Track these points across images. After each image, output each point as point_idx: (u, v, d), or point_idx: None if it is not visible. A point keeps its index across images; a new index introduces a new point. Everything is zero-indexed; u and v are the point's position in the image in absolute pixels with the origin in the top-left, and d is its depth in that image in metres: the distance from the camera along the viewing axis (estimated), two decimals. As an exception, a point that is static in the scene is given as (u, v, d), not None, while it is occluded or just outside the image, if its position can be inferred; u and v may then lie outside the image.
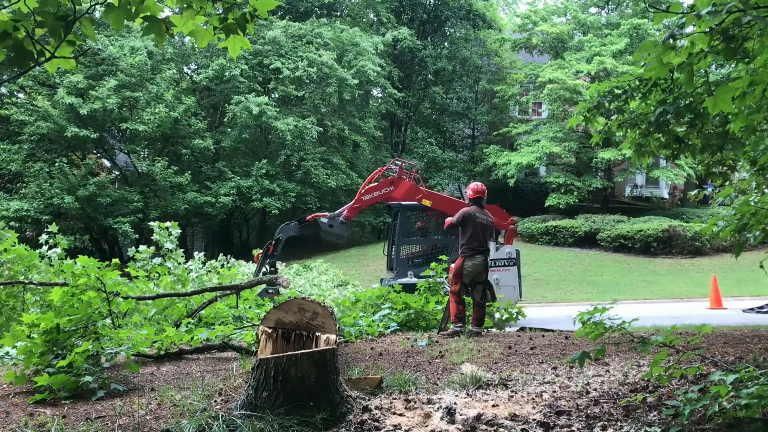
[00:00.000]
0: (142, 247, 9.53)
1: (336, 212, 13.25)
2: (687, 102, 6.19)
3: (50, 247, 8.91)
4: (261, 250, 12.94)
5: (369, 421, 3.73)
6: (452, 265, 7.95)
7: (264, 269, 12.28)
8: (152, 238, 10.28)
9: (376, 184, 13.29)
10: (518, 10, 39.62)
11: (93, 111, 23.54)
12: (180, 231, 10.55)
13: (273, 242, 12.95)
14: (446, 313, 7.88)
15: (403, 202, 13.22)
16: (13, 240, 7.98)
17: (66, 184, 23.41)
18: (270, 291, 10.84)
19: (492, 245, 12.59)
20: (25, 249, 7.97)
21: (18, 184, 24.07)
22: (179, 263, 9.63)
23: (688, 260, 23.45)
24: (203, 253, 12.17)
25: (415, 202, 13.02)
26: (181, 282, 9.24)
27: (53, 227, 9.10)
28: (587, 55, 28.94)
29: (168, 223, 10.37)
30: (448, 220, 8.12)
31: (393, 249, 13.08)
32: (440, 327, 7.81)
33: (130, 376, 5.23)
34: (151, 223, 10.59)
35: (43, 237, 9.14)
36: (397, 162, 13.84)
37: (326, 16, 33.85)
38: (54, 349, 4.85)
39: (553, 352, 6.08)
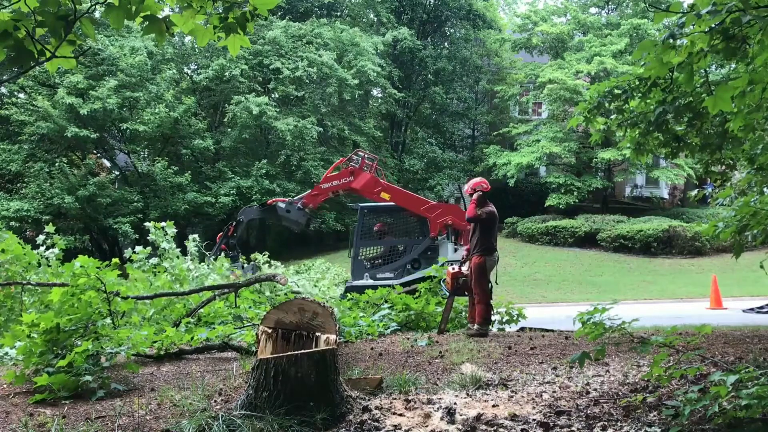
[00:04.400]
0: (138, 248, 9.55)
1: (295, 198, 13.31)
2: (687, 101, 6.19)
3: (48, 248, 8.90)
4: (222, 233, 13.18)
5: (369, 421, 3.73)
6: (450, 269, 7.87)
7: (218, 251, 12.46)
8: (148, 238, 10.30)
9: (337, 173, 13.25)
10: (518, 10, 39.62)
11: (93, 111, 23.54)
12: (176, 230, 10.59)
13: (234, 223, 13.10)
14: (446, 314, 7.86)
15: (362, 204, 13.24)
16: (11, 240, 7.96)
17: (66, 184, 23.41)
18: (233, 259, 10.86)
19: (450, 246, 12.50)
20: (21, 248, 7.93)
21: (18, 184, 24.07)
22: (177, 257, 9.66)
23: (688, 260, 23.44)
24: (196, 242, 12.20)
25: (376, 204, 13.05)
26: (179, 281, 9.24)
27: (50, 227, 9.10)
28: (587, 55, 28.95)
29: (164, 223, 10.40)
30: (473, 211, 7.62)
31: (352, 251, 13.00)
32: (440, 328, 7.79)
33: (130, 376, 5.23)
34: (147, 224, 10.61)
35: (41, 237, 9.13)
36: (359, 153, 13.83)
37: (326, 16, 33.84)
38: (54, 348, 4.85)
39: (553, 352, 6.08)
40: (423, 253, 12.67)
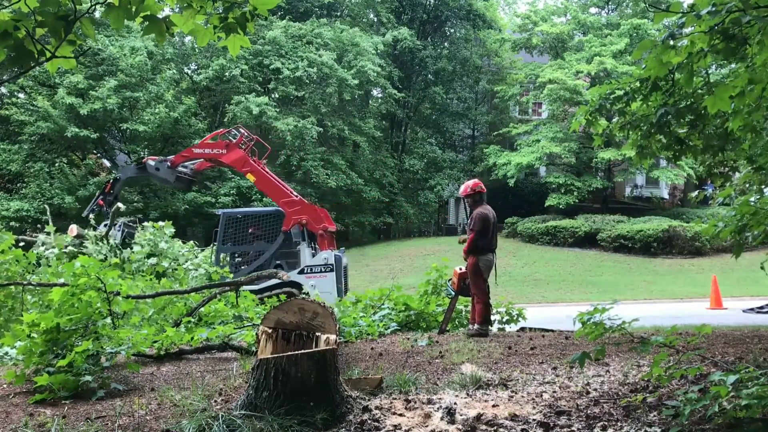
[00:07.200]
0: (136, 248, 9.57)
1: (166, 157, 13.47)
2: (688, 103, 6.19)
3: (47, 248, 8.91)
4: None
5: (369, 421, 3.73)
6: (457, 269, 7.83)
7: (94, 207, 12.71)
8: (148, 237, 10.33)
9: (213, 142, 13.34)
10: (518, 10, 39.63)
11: (93, 111, 23.55)
12: (174, 230, 10.64)
13: (111, 181, 13.27)
14: (448, 314, 7.86)
15: (224, 210, 13.44)
16: (10, 242, 7.97)
17: (66, 184, 23.43)
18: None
19: (308, 251, 12.42)
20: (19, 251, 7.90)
21: (18, 184, 24.09)
22: (175, 258, 9.68)
23: (688, 260, 23.44)
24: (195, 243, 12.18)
25: (237, 210, 13.40)
26: (178, 281, 9.26)
27: (50, 227, 9.12)
28: (587, 55, 28.95)
29: (162, 223, 10.43)
30: (472, 233, 7.51)
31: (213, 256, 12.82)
32: (441, 328, 7.79)
33: (130, 376, 5.23)
34: (145, 223, 10.64)
35: (40, 237, 9.15)
36: (240, 129, 13.92)
37: (326, 16, 33.86)
38: (54, 348, 4.85)
39: (553, 352, 6.08)
40: (284, 258, 12.58)
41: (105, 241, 10.24)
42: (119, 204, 11.64)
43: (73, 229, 10.78)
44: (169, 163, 13.13)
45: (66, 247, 9.76)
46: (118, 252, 9.89)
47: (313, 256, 12.40)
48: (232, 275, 11.38)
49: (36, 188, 23.04)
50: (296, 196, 13.07)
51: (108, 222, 11.24)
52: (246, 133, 13.62)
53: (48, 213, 12.41)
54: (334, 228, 13.18)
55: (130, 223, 12.19)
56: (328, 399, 3.76)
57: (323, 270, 12.11)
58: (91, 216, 12.13)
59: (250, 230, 13.02)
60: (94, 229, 11.02)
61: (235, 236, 12.99)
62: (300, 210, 12.63)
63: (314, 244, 12.71)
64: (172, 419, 3.87)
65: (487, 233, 7.57)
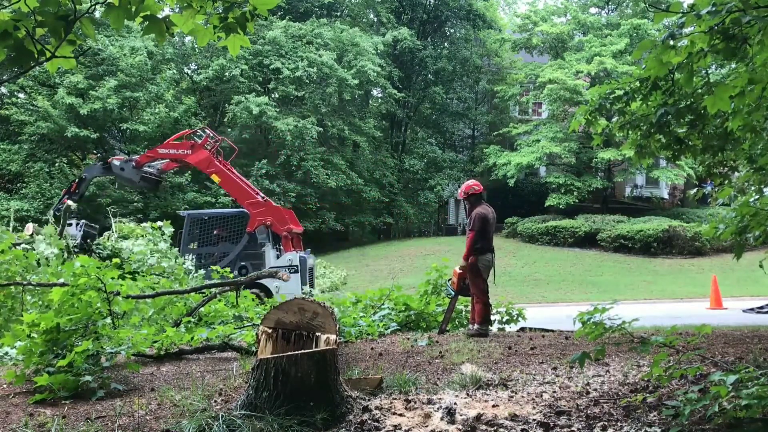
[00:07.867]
0: (137, 248, 9.57)
1: (132, 157, 13.46)
2: (688, 103, 6.19)
3: (47, 248, 8.90)
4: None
5: (369, 422, 3.73)
6: (457, 269, 7.81)
7: (60, 207, 12.63)
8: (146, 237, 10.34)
9: (178, 143, 13.38)
10: (518, 10, 39.65)
11: (93, 111, 23.58)
12: (173, 230, 10.62)
13: (77, 180, 13.22)
14: (448, 314, 7.86)
15: (189, 212, 13.48)
16: (10, 241, 7.96)
17: (66, 184, 23.41)
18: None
19: (273, 252, 12.44)
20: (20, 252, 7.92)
21: (18, 184, 24.11)
22: (176, 257, 9.67)
23: (688, 260, 23.44)
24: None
25: (203, 212, 13.64)
26: (178, 281, 9.25)
27: (51, 227, 9.12)
28: (587, 55, 28.95)
29: (160, 223, 10.42)
30: (471, 233, 7.55)
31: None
32: (441, 328, 7.79)
33: (130, 376, 5.23)
34: (144, 224, 10.63)
35: (40, 237, 9.15)
36: (206, 130, 13.93)
37: (326, 16, 33.87)
38: (54, 348, 4.84)
39: (553, 353, 6.08)
40: (249, 259, 12.57)
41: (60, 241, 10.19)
42: (70, 202, 11.58)
43: (29, 227, 10.79)
44: (134, 164, 13.14)
45: (19, 245, 9.72)
46: (74, 252, 9.82)
47: (278, 257, 12.43)
48: (232, 275, 11.38)
49: (36, 188, 23.07)
50: (262, 198, 13.11)
51: (62, 222, 11.25)
52: (212, 134, 13.67)
53: (11, 211, 12.33)
54: (300, 229, 13.25)
55: (92, 225, 12.20)
56: (328, 399, 3.76)
57: (287, 271, 12.18)
58: (51, 215, 12.15)
59: (215, 231, 13.06)
60: (55, 228, 10.98)
61: (201, 237, 13.03)
62: (264, 211, 12.69)
63: (279, 245, 12.72)
64: (172, 419, 3.87)
65: (486, 233, 7.56)
